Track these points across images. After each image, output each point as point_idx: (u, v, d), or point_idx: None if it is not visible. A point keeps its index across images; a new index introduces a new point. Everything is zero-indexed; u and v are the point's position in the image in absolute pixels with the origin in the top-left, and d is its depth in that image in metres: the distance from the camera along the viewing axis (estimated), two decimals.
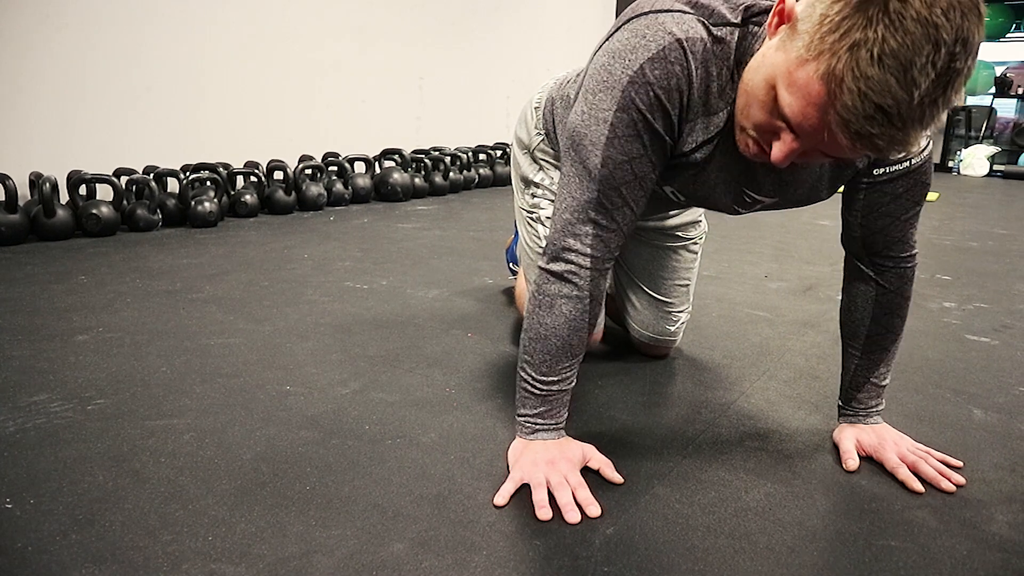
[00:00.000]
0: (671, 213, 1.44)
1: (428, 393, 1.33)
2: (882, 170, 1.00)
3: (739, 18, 0.88)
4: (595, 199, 0.96)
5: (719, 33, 0.88)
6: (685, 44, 0.87)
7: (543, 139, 1.39)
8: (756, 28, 0.88)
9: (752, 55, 0.87)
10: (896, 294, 1.10)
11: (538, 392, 1.04)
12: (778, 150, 0.83)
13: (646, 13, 0.90)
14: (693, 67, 0.88)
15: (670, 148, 0.96)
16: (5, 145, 2.65)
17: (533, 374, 1.04)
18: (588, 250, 0.98)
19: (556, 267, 1.00)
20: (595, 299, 1.01)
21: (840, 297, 1.16)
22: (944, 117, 0.74)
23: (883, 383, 1.15)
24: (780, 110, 0.79)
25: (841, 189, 1.08)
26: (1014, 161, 6.60)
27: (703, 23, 0.88)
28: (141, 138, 3.05)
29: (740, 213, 1.09)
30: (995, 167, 6.41)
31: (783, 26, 0.79)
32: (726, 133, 0.94)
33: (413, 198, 3.81)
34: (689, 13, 0.88)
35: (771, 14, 0.81)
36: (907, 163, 1.00)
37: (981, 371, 1.53)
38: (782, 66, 0.77)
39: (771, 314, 1.90)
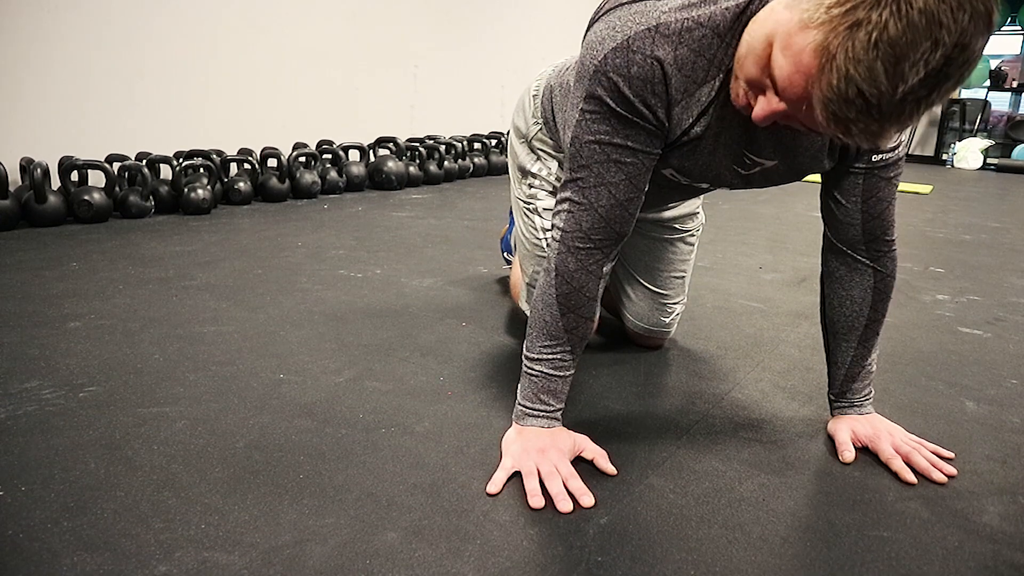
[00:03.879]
0: (670, 204, 1.44)
1: (422, 382, 1.32)
2: (880, 157, 1.02)
3: None
4: (569, 177, 1.01)
5: (709, 4, 0.88)
6: (655, 32, 0.88)
7: (541, 128, 1.38)
8: None
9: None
10: (891, 277, 1.12)
11: (527, 371, 1.07)
12: (760, 107, 0.83)
13: (623, 4, 0.92)
14: (665, 52, 0.88)
15: (658, 133, 0.95)
16: None
17: (524, 350, 1.08)
18: (561, 224, 1.02)
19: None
20: (562, 276, 1.02)
21: (823, 294, 1.16)
22: (920, 119, 0.74)
23: (874, 369, 1.17)
24: (770, 69, 0.79)
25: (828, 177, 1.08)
26: (1008, 154, 6.62)
27: (684, 3, 0.89)
28: (134, 124, 3.03)
29: (742, 177, 1.07)
30: (989, 160, 6.44)
31: None
32: (721, 100, 0.93)
33: (407, 186, 3.80)
34: None
35: None
36: (897, 150, 1.02)
37: (974, 363, 1.54)
38: (784, 25, 0.76)
39: (765, 305, 1.90)
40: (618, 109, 0.93)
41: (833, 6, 0.70)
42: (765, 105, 0.82)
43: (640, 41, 0.88)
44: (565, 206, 1.01)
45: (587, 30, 0.96)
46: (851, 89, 0.69)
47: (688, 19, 0.88)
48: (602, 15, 0.93)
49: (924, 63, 0.67)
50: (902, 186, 4.39)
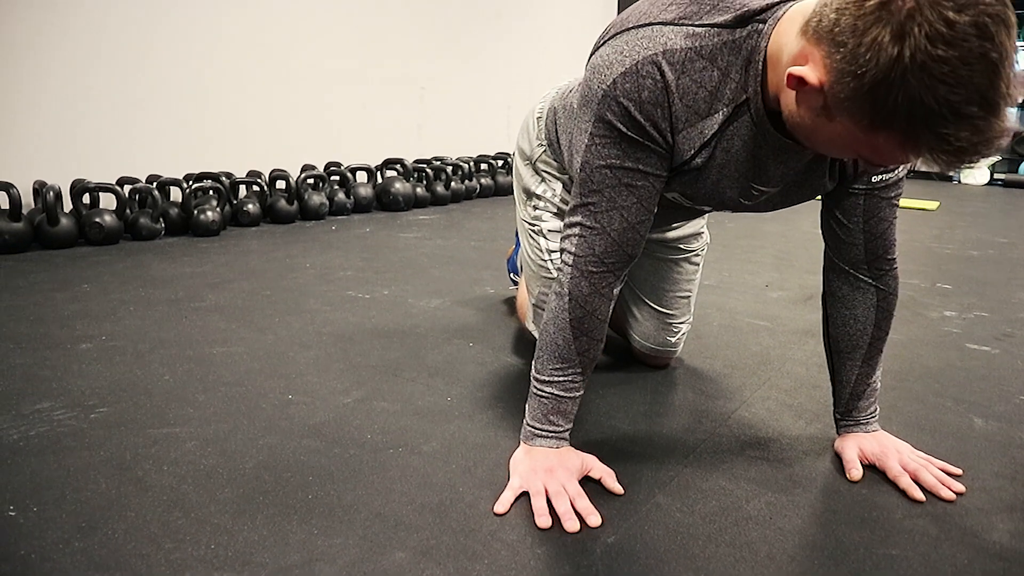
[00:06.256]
0: (674, 225, 1.45)
1: (430, 402, 1.33)
2: (880, 177, 1.03)
3: (732, 20, 0.89)
4: (579, 202, 1.01)
5: (708, 37, 0.89)
6: (661, 58, 0.89)
7: (545, 150, 1.39)
8: (760, 26, 0.88)
9: (759, 52, 0.87)
10: (894, 296, 1.13)
11: (536, 392, 1.07)
12: (869, 166, 0.93)
13: (628, 29, 0.93)
14: (670, 79, 0.90)
15: (666, 156, 0.96)
16: (9, 153, 2.66)
17: (533, 372, 1.08)
18: (573, 248, 1.02)
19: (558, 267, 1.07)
20: (576, 301, 1.02)
21: (826, 314, 1.16)
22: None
23: (879, 386, 1.17)
24: (857, 151, 0.83)
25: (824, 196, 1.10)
26: (1015, 170, 6.60)
27: (687, 32, 0.90)
28: (144, 147, 3.06)
29: (747, 205, 1.08)
30: (995, 176, 6.42)
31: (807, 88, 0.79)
32: (726, 135, 0.95)
33: (415, 207, 3.82)
34: (671, 25, 0.90)
35: (786, 79, 0.80)
36: (897, 171, 1.03)
37: (982, 380, 1.53)
38: (849, 135, 0.79)
39: (772, 323, 1.90)
40: (629, 133, 0.94)
41: (883, 103, 0.72)
42: (873, 163, 0.92)
43: (649, 66, 0.90)
44: (576, 230, 1.02)
45: (592, 54, 0.98)
46: (958, 141, 0.72)
47: (690, 49, 0.89)
48: (608, 40, 0.95)
49: (1005, 84, 0.74)
50: (909, 202, 4.39)
